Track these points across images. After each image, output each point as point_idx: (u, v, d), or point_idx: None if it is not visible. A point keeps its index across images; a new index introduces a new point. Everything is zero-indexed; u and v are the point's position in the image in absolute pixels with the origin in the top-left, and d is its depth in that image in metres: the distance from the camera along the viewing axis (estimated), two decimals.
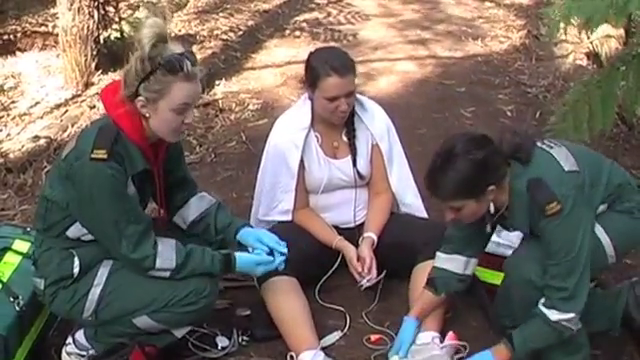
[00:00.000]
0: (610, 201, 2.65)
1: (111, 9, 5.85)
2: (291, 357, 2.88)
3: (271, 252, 2.81)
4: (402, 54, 6.40)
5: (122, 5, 6.37)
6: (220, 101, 5.37)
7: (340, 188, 3.28)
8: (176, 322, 2.70)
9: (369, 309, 3.18)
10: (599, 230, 2.61)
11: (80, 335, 2.80)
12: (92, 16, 5.46)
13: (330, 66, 3.03)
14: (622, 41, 5.24)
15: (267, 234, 2.87)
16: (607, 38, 5.56)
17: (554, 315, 2.49)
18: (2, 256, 2.94)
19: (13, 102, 5.39)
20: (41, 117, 5.10)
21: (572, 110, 3.66)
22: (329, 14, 7.43)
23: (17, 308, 2.75)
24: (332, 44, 6.45)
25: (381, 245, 3.17)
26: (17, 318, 2.74)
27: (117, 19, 5.93)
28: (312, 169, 3.23)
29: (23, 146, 4.68)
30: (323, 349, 2.90)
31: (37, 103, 5.34)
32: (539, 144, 2.59)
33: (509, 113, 5.14)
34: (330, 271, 3.18)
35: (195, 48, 6.33)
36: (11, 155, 4.59)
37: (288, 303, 2.98)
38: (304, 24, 7.13)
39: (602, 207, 2.65)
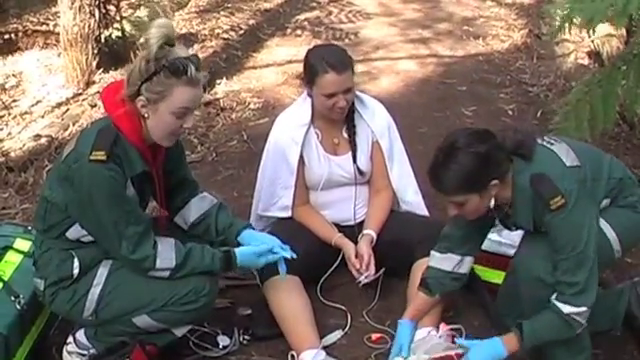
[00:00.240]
0: (613, 196, 2.65)
1: (112, 8, 5.84)
2: (292, 356, 2.89)
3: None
4: (403, 53, 6.40)
5: (123, 4, 6.36)
6: (221, 100, 5.38)
7: (340, 185, 3.29)
8: (176, 321, 2.70)
9: (370, 308, 3.19)
10: (604, 225, 2.60)
11: (81, 334, 2.80)
12: (93, 15, 5.46)
13: (327, 63, 3.03)
14: (623, 40, 5.23)
15: (270, 237, 2.88)
16: (609, 37, 5.55)
17: (567, 308, 2.48)
18: (3, 255, 2.94)
19: (14, 101, 5.40)
20: (42, 116, 5.11)
21: (574, 110, 3.66)
22: (330, 13, 7.44)
23: (18, 307, 2.75)
24: (333, 43, 6.45)
25: (380, 242, 3.17)
26: (18, 317, 2.74)
27: (118, 18, 5.93)
28: (312, 165, 3.23)
29: (24, 145, 4.69)
30: (324, 348, 2.91)
31: (38, 102, 5.35)
32: (540, 141, 2.59)
33: (510, 112, 5.14)
34: (331, 269, 3.19)
35: (196, 47, 6.35)
36: (12, 154, 4.59)
37: (290, 301, 2.98)
38: (305, 23, 7.14)
39: (605, 201, 2.64)
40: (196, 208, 2.90)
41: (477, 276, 3.15)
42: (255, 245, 2.81)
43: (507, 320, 2.78)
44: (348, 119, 3.24)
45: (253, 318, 3.12)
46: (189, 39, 6.50)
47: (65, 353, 2.82)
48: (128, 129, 2.52)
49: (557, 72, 5.81)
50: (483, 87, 5.61)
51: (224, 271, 2.79)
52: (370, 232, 3.18)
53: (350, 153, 3.25)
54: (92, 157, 2.44)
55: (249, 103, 5.34)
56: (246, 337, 3.04)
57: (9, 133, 4.88)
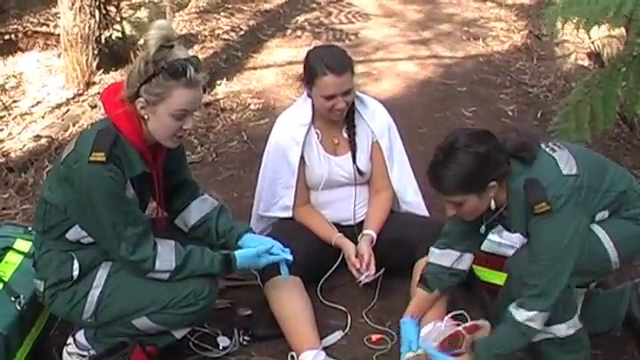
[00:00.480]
0: (614, 208, 2.63)
1: (112, 9, 5.84)
2: (292, 357, 2.89)
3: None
4: (403, 54, 6.40)
5: (123, 5, 6.36)
6: (221, 101, 5.37)
7: (340, 185, 3.29)
8: (175, 323, 2.70)
9: (370, 308, 3.19)
10: (603, 235, 2.59)
11: (80, 335, 2.80)
12: (93, 16, 5.45)
13: (326, 64, 3.03)
14: (623, 41, 5.23)
15: (270, 240, 2.87)
16: (609, 38, 5.56)
17: (520, 315, 2.49)
18: (3, 255, 2.94)
19: (15, 101, 5.39)
20: (42, 116, 5.10)
21: (574, 111, 3.66)
22: (330, 14, 7.43)
23: (18, 307, 2.75)
24: (333, 44, 6.44)
25: (380, 243, 3.18)
26: (18, 317, 2.74)
27: (118, 19, 5.93)
28: (313, 165, 3.24)
29: (24, 145, 4.68)
30: (324, 349, 2.91)
31: (38, 102, 5.34)
32: (543, 146, 2.59)
33: (510, 113, 5.14)
34: (331, 269, 3.19)
35: (196, 48, 6.34)
36: (12, 154, 4.59)
37: (291, 302, 2.98)
38: (305, 24, 7.13)
39: (603, 213, 2.62)
40: (197, 211, 2.90)
41: (477, 277, 3.15)
42: (255, 246, 2.81)
43: None
44: (348, 119, 3.24)
45: (253, 319, 3.12)
46: (189, 40, 6.50)
47: (65, 354, 2.82)
48: (128, 129, 2.52)
49: (557, 73, 5.81)
50: (483, 88, 5.61)
51: (224, 274, 2.80)
52: (370, 232, 3.18)
53: (350, 153, 3.25)
54: (92, 158, 2.44)
55: (249, 104, 5.34)
56: (246, 338, 3.04)
57: (9, 134, 4.88)
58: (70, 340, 2.82)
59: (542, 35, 6.59)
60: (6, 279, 2.84)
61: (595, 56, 5.79)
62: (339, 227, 3.26)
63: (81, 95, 5.40)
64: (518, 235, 2.79)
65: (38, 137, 4.74)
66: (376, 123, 3.30)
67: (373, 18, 7.35)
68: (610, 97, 3.57)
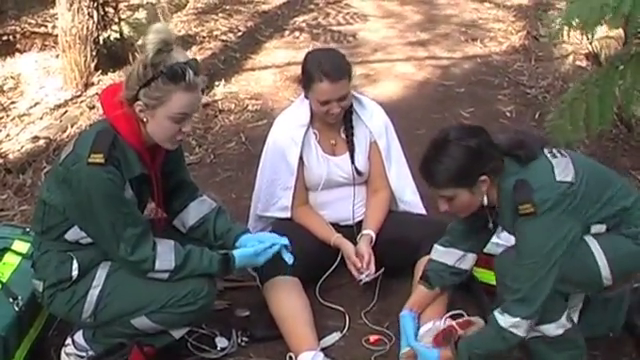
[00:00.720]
0: (614, 223, 2.58)
1: (110, 10, 5.84)
2: (290, 358, 2.89)
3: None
4: (401, 55, 6.40)
5: (122, 6, 6.35)
6: (219, 102, 5.38)
7: (339, 185, 3.30)
8: (174, 323, 2.70)
9: (368, 309, 3.19)
10: (596, 248, 2.54)
11: (79, 336, 2.80)
12: (92, 17, 5.46)
13: (323, 71, 3.04)
14: (622, 42, 5.23)
15: (266, 235, 2.88)
16: (607, 39, 5.56)
17: (503, 320, 2.48)
18: (2, 257, 2.95)
19: (13, 103, 5.39)
20: (40, 118, 5.10)
21: (569, 108, 3.65)
22: (328, 15, 7.42)
23: (16, 309, 2.76)
24: (332, 45, 6.45)
25: (379, 242, 3.18)
26: (16, 319, 2.75)
27: (117, 20, 5.93)
28: (311, 166, 3.24)
29: (22, 147, 4.69)
30: (322, 350, 2.91)
31: (36, 104, 5.34)
32: (546, 151, 2.57)
33: (508, 114, 5.14)
34: (330, 269, 3.19)
35: (194, 49, 6.35)
36: (10, 156, 4.59)
37: (290, 302, 2.98)
38: (303, 25, 7.13)
39: (599, 227, 2.58)
40: (195, 212, 2.90)
41: (474, 277, 3.15)
42: (252, 245, 2.81)
43: None
44: (346, 120, 3.25)
45: (251, 320, 3.12)
46: (187, 41, 6.50)
47: (63, 355, 2.82)
48: (126, 131, 2.52)
49: (555, 74, 5.81)
50: (481, 89, 5.61)
51: (222, 274, 2.79)
52: (369, 232, 3.19)
53: (348, 153, 3.26)
54: (90, 160, 2.44)
55: (247, 105, 5.34)
56: (244, 339, 3.04)
57: (7, 135, 4.88)
58: (68, 341, 2.82)
59: (540, 36, 6.59)
60: (4, 280, 2.84)
61: (593, 57, 5.78)
62: (338, 227, 3.27)
63: (79, 96, 5.40)
64: None
65: (36, 138, 4.75)
66: (374, 123, 3.31)
67: (371, 19, 7.36)
68: (607, 95, 3.56)
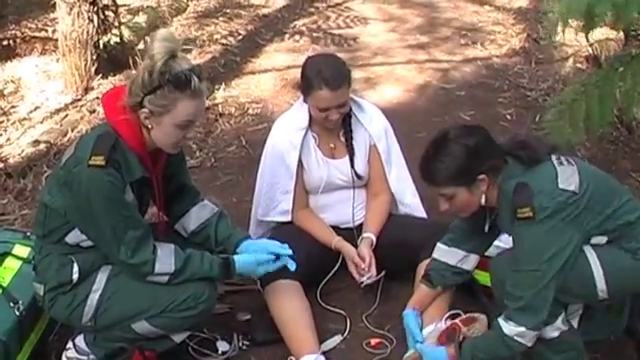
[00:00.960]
0: (615, 236, 2.55)
1: (111, 14, 5.84)
2: None
3: (277, 258, 2.81)
4: (402, 58, 6.40)
5: (122, 10, 6.36)
6: (220, 105, 5.38)
7: (339, 188, 3.30)
8: (175, 327, 2.69)
9: (369, 312, 3.19)
10: (593, 260, 2.52)
11: (80, 340, 2.80)
12: (92, 21, 5.46)
13: (322, 78, 3.04)
14: (622, 44, 5.23)
15: (269, 242, 2.87)
16: (607, 41, 5.56)
17: (508, 328, 2.48)
18: (2, 261, 2.95)
19: (13, 107, 5.40)
20: (41, 122, 5.11)
21: (568, 109, 3.63)
22: (328, 18, 7.43)
23: (17, 313, 2.76)
24: (332, 48, 6.45)
25: (380, 245, 3.18)
26: (17, 323, 2.75)
27: (117, 24, 5.93)
28: (311, 169, 3.24)
29: (23, 151, 4.69)
30: (323, 353, 2.91)
31: (37, 108, 5.35)
32: (553, 157, 2.56)
33: (509, 117, 5.14)
34: (331, 273, 3.19)
35: (195, 52, 6.35)
36: (11, 160, 4.60)
37: (291, 306, 2.98)
38: (303, 28, 7.14)
39: (600, 238, 2.55)
40: (196, 217, 2.90)
41: (475, 280, 3.15)
42: (254, 252, 2.80)
43: None
44: (345, 124, 3.25)
45: (252, 323, 3.12)
46: (187, 45, 6.50)
47: (64, 358, 2.82)
48: (128, 135, 2.52)
49: (555, 76, 5.81)
50: (481, 92, 5.61)
51: (223, 278, 2.79)
52: (370, 235, 3.19)
53: (347, 157, 3.26)
54: (91, 162, 2.44)
55: (248, 108, 5.34)
56: (245, 342, 3.04)
57: (8, 139, 4.89)
58: (70, 345, 2.82)
59: (540, 39, 6.59)
60: (5, 285, 2.84)
61: (593, 59, 5.79)
62: (338, 230, 3.27)
63: (79, 100, 5.40)
64: None
65: (37, 142, 4.75)
66: (373, 126, 3.31)
67: (372, 22, 7.36)
68: (607, 97, 3.54)
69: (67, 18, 5.40)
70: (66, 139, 4.80)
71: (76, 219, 2.56)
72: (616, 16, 3.25)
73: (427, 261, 2.99)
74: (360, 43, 6.78)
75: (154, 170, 2.66)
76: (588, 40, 5.61)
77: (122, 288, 2.63)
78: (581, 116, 3.59)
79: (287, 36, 6.95)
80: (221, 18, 7.39)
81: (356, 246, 3.17)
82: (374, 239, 3.19)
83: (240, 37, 6.90)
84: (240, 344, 3.03)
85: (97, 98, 5.30)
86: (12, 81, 5.82)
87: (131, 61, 5.67)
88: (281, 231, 3.23)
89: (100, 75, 5.64)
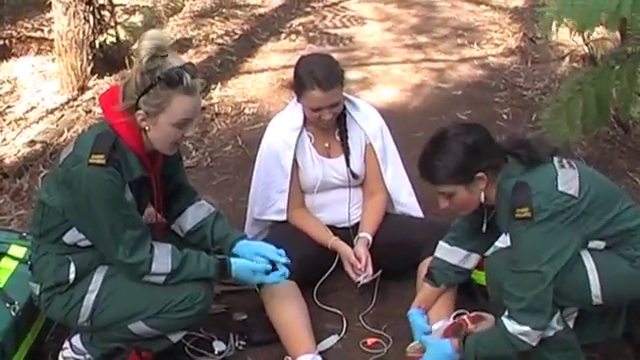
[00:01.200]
0: (614, 242, 2.54)
1: (107, 14, 5.84)
2: None
3: (273, 265, 2.80)
4: (398, 58, 6.41)
5: (118, 10, 6.36)
6: (216, 105, 5.38)
7: (335, 187, 3.30)
8: (171, 328, 2.69)
9: (366, 312, 3.19)
10: (590, 265, 2.51)
11: (76, 340, 2.80)
12: (87, 21, 5.46)
13: (314, 79, 3.04)
14: (618, 43, 5.23)
15: (265, 246, 2.86)
16: (603, 40, 5.56)
17: (512, 327, 2.48)
18: None
19: (9, 107, 5.39)
20: (37, 122, 5.10)
21: (565, 107, 3.63)
22: (325, 18, 7.44)
23: (13, 313, 2.75)
24: (328, 48, 6.46)
25: (376, 245, 3.18)
26: (13, 324, 2.74)
27: (113, 24, 5.92)
28: (306, 168, 3.24)
29: (19, 151, 4.68)
30: (320, 353, 2.91)
31: (33, 108, 5.34)
32: (556, 159, 2.55)
33: (505, 116, 5.14)
34: (328, 272, 3.19)
35: (191, 52, 6.35)
36: (7, 160, 4.59)
37: (287, 306, 2.98)
38: (300, 28, 7.14)
39: (597, 243, 2.54)
40: (192, 216, 2.89)
41: (472, 279, 3.15)
42: (250, 258, 2.79)
43: None
44: (340, 123, 3.25)
45: (248, 323, 3.12)
46: (183, 44, 6.51)
47: (61, 358, 2.81)
48: (127, 135, 2.52)
49: (551, 76, 5.82)
50: (478, 91, 5.61)
51: (219, 278, 2.79)
52: (366, 235, 3.19)
53: (343, 156, 3.26)
54: (91, 160, 2.44)
55: (244, 108, 5.34)
56: (242, 342, 3.04)
57: (4, 139, 4.88)
58: (66, 344, 2.82)
59: (536, 38, 6.60)
60: (1, 285, 2.83)
61: (589, 58, 5.79)
62: (334, 229, 3.26)
63: (75, 100, 5.40)
64: None
65: (33, 142, 4.74)
66: (369, 125, 3.31)
67: (368, 22, 7.37)
68: (603, 95, 3.55)
69: (63, 18, 5.39)
70: (62, 139, 4.79)
71: (74, 218, 2.55)
72: (609, 19, 3.25)
73: (428, 260, 3.00)
74: (356, 43, 6.78)
75: (153, 170, 2.66)
76: (584, 39, 5.61)
77: (119, 289, 2.63)
78: (578, 114, 3.59)
79: (283, 36, 6.96)
80: (217, 18, 7.39)
81: (352, 246, 3.16)
82: (370, 239, 3.18)
83: (236, 37, 6.90)
84: (236, 344, 3.03)
85: (93, 98, 5.30)
86: (8, 81, 5.81)
87: (127, 61, 5.66)
88: (277, 231, 3.23)
89: (96, 75, 5.64)
